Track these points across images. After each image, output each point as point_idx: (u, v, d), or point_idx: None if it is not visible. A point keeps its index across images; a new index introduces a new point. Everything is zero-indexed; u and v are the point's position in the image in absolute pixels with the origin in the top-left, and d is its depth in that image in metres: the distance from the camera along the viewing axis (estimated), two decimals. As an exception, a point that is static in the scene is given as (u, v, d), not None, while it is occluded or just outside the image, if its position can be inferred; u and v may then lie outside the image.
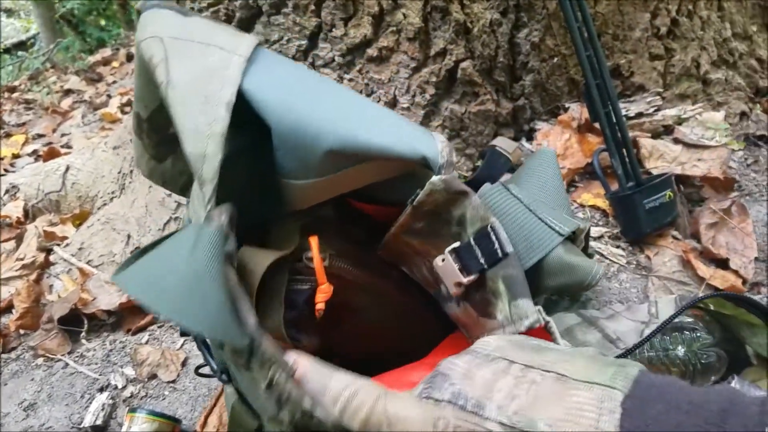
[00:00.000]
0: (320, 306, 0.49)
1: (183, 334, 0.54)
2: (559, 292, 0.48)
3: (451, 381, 0.32)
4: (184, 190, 0.61)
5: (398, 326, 0.59)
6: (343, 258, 0.54)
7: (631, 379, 0.28)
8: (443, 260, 0.46)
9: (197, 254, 0.36)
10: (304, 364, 0.36)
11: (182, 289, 0.34)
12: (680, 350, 0.65)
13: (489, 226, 0.45)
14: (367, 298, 0.56)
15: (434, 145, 0.45)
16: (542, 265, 0.49)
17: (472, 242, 0.45)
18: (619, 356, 0.59)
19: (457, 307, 0.51)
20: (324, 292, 0.49)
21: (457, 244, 0.46)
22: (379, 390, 0.34)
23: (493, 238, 0.45)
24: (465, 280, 0.44)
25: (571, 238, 0.53)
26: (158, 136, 0.54)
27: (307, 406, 0.33)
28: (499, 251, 0.44)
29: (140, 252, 0.40)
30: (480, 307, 0.48)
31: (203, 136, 0.39)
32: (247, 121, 0.42)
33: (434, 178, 0.44)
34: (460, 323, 0.53)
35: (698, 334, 0.67)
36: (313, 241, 0.49)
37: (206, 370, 0.70)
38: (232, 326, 0.34)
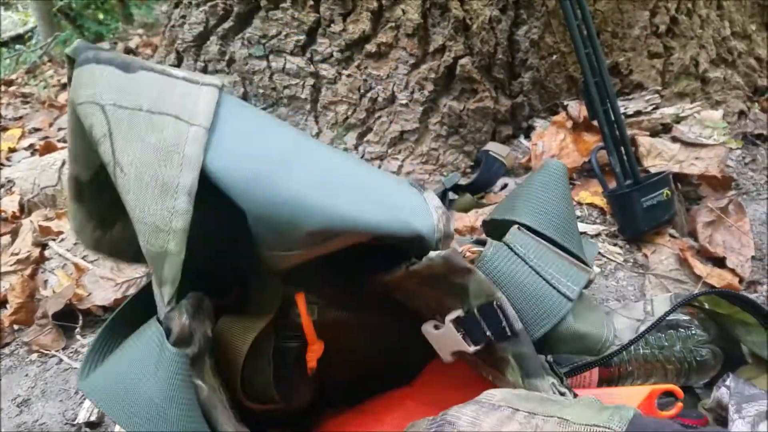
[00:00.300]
0: (312, 364, 0.47)
1: None
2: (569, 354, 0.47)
3: (459, 428, 0.34)
4: (136, 257, 0.53)
5: (388, 353, 0.56)
6: (333, 306, 0.51)
7: (626, 420, 0.30)
8: (437, 327, 0.43)
9: (160, 375, 0.35)
10: None
11: (152, 414, 0.34)
12: (676, 347, 0.65)
13: (495, 303, 0.42)
14: (358, 336, 0.54)
15: (429, 217, 0.41)
16: (554, 333, 0.46)
17: (477, 315, 0.42)
18: (614, 353, 0.59)
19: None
20: (315, 351, 0.47)
21: (459, 313, 0.43)
22: None
23: (501, 315, 0.42)
24: (471, 349, 0.42)
25: None
26: (104, 198, 0.45)
27: None
28: (507, 329, 0.41)
29: (100, 342, 0.39)
30: (488, 360, 0.45)
31: (161, 232, 0.34)
32: (212, 187, 0.37)
33: (433, 255, 0.40)
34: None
35: (694, 332, 0.67)
36: (299, 299, 0.46)
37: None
38: None
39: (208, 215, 0.38)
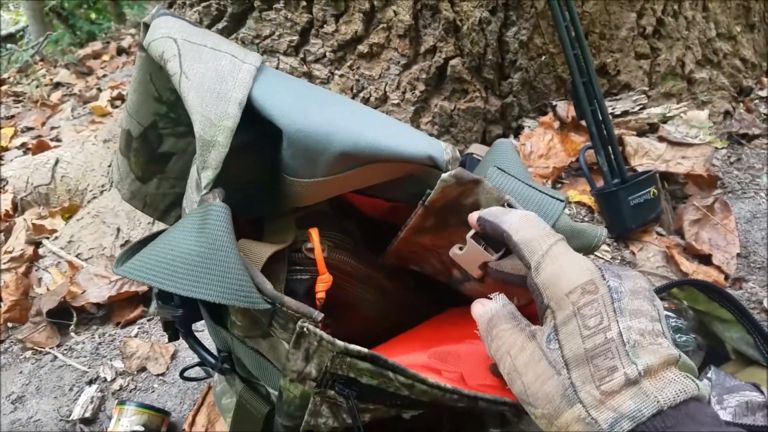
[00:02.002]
0: (321, 295, 0.49)
1: (172, 338, 0.54)
2: None
3: (622, 283, 0.34)
4: (165, 214, 0.61)
5: (395, 315, 0.60)
6: (341, 250, 0.54)
7: (705, 394, 0.30)
8: (461, 248, 0.47)
9: (208, 230, 0.37)
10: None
11: (196, 265, 0.35)
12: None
13: (506, 204, 0.45)
14: (364, 290, 0.57)
15: (438, 145, 0.47)
16: None
17: None
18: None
19: (480, 284, 0.51)
20: (324, 282, 0.49)
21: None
22: (557, 236, 0.36)
23: None
24: (494, 257, 0.44)
25: None
26: (147, 154, 0.55)
27: (341, 345, 0.35)
28: None
29: (137, 244, 0.41)
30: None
31: (214, 126, 0.40)
32: (252, 122, 0.43)
33: (444, 175, 0.44)
34: (482, 297, 0.54)
35: (675, 323, 0.68)
36: (314, 232, 0.50)
37: (192, 372, 0.71)
38: (254, 292, 0.36)
39: (242, 159, 0.44)
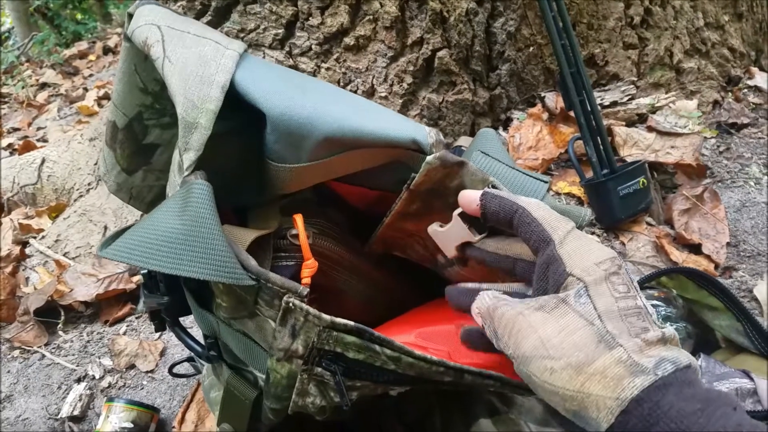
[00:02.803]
0: (306, 281, 0.49)
1: (158, 328, 0.54)
2: None
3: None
4: (151, 206, 0.61)
5: (382, 302, 0.60)
6: (326, 237, 0.55)
7: (695, 366, 0.31)
8: (442, 226, 0.47)
9: (190, 208, 0.37)
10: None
11: (180, 243, 0.35)
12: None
13: (490, 185, 0.46)
14: (350, 276, 0.57)
15: (422, 129, 0.47)
16: None
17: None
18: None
19: (462, 268, 0.51)
20: (310, 267, 0.49)
21: (462, 209, 0.47)
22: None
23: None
24: (476, 238, 0.45)
25: None
26: (133, 146, 0.55)
27: (327, 319, 0.35)
28: None
29: (122, 230, 0.40)
30: None
31: (197, 108, 0.40)
32: (235, 109, 0.43)
33: (429, 158, 0.45)
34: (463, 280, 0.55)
35: (665, 311, 0.68)
36: (298, 218, 0.49)
37: (181, 369, 0.70)
38: (238, 268, 0.35)
39: (225, 145, 0.45)
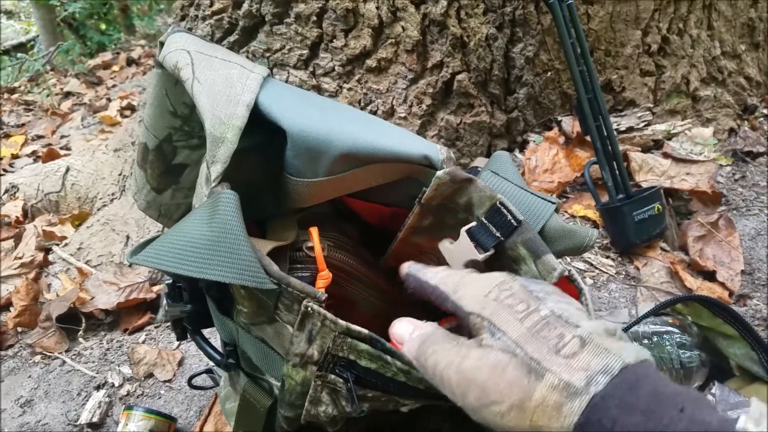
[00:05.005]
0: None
1: (180, 337, 0.56)
2: (561, 256, 0.51)
3: (532, 285, 0.35)
4: None
5: (393, 315, 0.61)
6: (340, 250, 0.56)
7: (651, 360, 0.31)
8: (452, 242, 0.49)
9: (218, 216, 0.39)
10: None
11: (207, 249, 0.37)
12: (663, 353, 0.67)
13: (498, 203, 0.48)
14: (363, 289, 0.59)
15: (433, 146, 0.50)
16: (544, 232, 0.52)
17: (485, 220, 0.49)
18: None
19: None
20: (324, 278, 0.51)
21: (472, 224, 0.49)
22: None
23: (504, 211, 0.48)
24: (481, 257, 0.46)
25: None
26: (162, 166, 0.58)
27: (343, 325, 0.37)
28: (513, 221, 0.48)
29: (151, 239, 0.42)
30: (503, 267, 0.50)
31: (224, 124, 0.43)
32: (257, 128, 0.46)
33: (439, 173, 0.47)
34: None
35: (679, 338, 0.69)
36: (314, 231, 0.52)
37: (199, 380, 0.72)
38: (261, 272, 0.37)
39: (248, 160, 0.47)
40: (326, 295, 0.39)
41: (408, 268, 0.42)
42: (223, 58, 0.48)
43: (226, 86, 0.45)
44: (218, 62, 0.48)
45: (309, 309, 0.38)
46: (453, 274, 0.38)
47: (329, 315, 0.38)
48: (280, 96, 0.47)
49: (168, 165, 0.58)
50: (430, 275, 0.40)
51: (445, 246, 0.49)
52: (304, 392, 0.41)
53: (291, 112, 0.45)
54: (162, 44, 0.51)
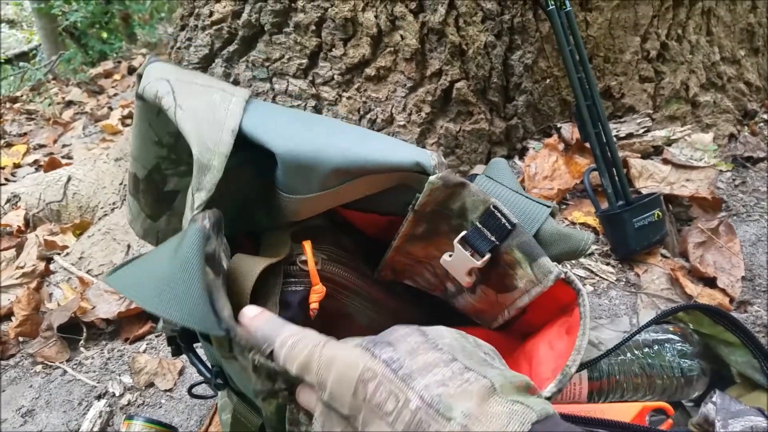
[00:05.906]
0: (314, 306, 0.51)
1: (175, 353, 0.56)
2: (557, 261, 0.51)
3: (396, 350, 0.34)
4: None
5: (388, 327, 0.61)
6: (334, 263, 0.57)
7: (545, 413, 0.30)
8: (450, 255, 0.49)
9: (180, 252, 0.38)
10: (258, 318, 0.39)
11: (165, 284, 0.37)
12: (663, 362, 0.67)
13: (491, 206, 0.48)
14: (358, 302, 0.59)
15: (424, 153, 0.50)
16: (540, 236, 0.52)
17: (479, 225, 0.49)
18: (599, 357, 0.61)
19: (471, 295, 0.52)
20: (318, 293, 0.51)
21: (464, 233, 0.49)
22: (322, 338, 0.36)
23: (498, 215, 0.48)
24: (479, 262, 0.46)
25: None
26: (154, 194, 0.59)
27: (293, 372, 0.36)
28: (507, 224, 0.48)
29: (133, 258, 0.43)
30: (497, 283, 0.51)
31: (210, 150, 0.43)
32: (248, 144, 0.46)
33: (432, 178, 0.47)
34: (474, 312, 0.55)
35: (680, 347, 0.69)
36: (307, 245, 0.52)
37: (200, 389, 0.72)
38: (209, 317, 0.36)
39: (239, 177, 0.47)
40: (272, 348, 0.37)
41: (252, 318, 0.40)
42: (203, 84, 0.48)
43: (209, 111, 0.45)
44: (199, 88, 0.48)
45: (256, 363, 0.36)
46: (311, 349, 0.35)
47: (277, 366, 0.36)
48: (265, 117, 0.47)
49: (160, 193, 0.59)
50: (278, 343, 0.37)
51: (446, 260, 0.49)
52: (281, 418, 0.40)
53: (277, 132, 0.45)
54: (140, 77, 0.51)
